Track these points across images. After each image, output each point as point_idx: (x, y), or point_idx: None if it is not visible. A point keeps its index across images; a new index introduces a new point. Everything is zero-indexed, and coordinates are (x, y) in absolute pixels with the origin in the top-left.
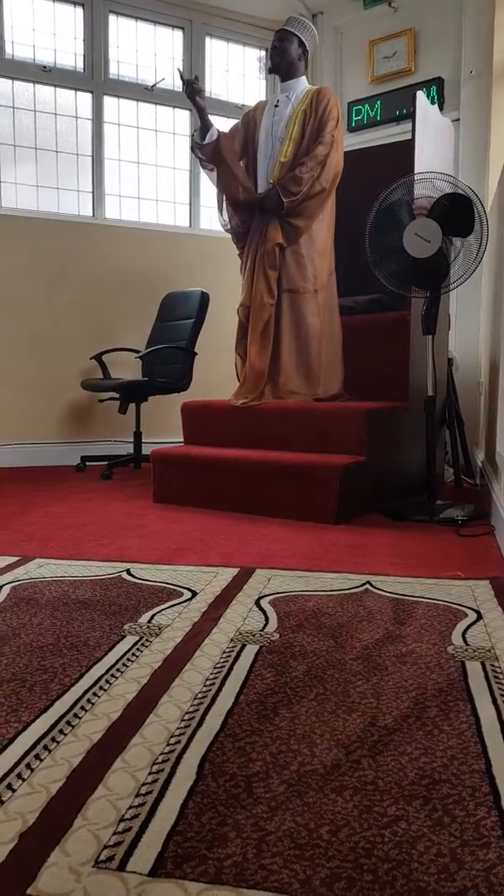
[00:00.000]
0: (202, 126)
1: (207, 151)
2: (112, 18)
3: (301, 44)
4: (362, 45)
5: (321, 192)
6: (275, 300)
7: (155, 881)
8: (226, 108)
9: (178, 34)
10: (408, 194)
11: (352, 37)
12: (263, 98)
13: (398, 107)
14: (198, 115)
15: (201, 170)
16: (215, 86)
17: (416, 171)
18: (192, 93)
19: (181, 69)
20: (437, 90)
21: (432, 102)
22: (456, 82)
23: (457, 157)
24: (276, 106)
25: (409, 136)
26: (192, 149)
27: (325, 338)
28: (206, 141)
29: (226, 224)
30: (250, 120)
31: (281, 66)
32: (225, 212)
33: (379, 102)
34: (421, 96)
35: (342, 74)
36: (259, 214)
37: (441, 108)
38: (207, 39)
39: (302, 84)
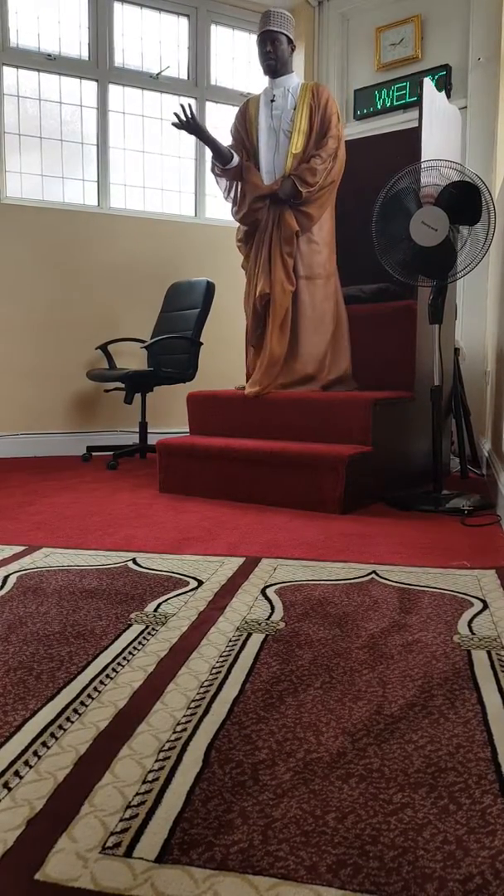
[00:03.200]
0: (217, 153)
1: (231, 173)
2: (117, 6)
3: (289, 39)
4: (368, 32)
5: (331, 183)
6: (294, 287)
7: (161, 867)
8: (231, 96)
9: (184, 21)
10: (414, 182)
11: (358, 24)
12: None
13: (405, 94)
14: (208, 145)
15: (208, 167)
16: (220, 73)
17: (422, 159)
18: (194, 128)
19: (186, 106)
20: (445, 77)
21: (439, 90)
22: (463, 69)
23: (464, 145)
24: (273, 101)
25: (416, 124)
26: (213, 170)
27: (339, 322)
28: (231, 165)
29: (234, 211)
30: (245, 115)
31: (278, 69)
32: (232, 201)
33: (385, 90)
34: (428, 83)
35: (348, 62)
36: (272, 203)
37: (448, 96)
38: (213, 27)
39: (294, 78)
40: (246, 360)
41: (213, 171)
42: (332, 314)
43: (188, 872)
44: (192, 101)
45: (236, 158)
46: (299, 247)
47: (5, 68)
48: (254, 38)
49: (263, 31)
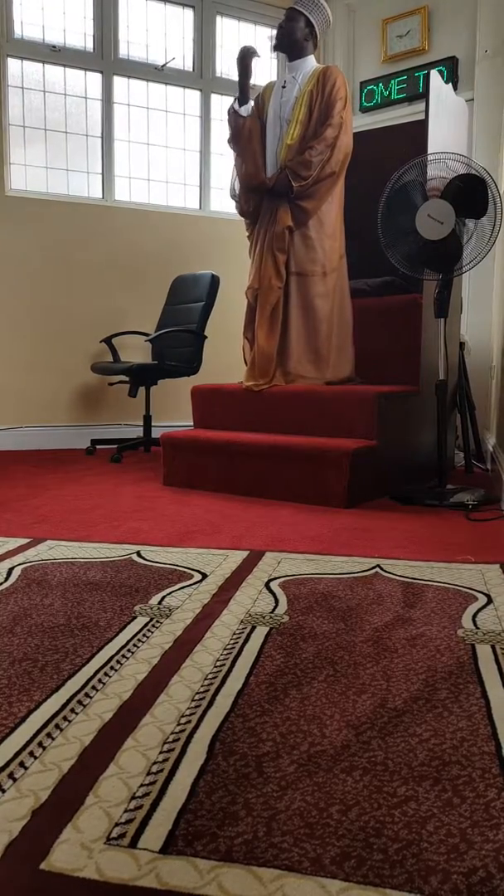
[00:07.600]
0: (242, 95)
1: (239, 124)
2: None
3: (308, 23)
4: (375, 24)
5: (331, 174)
6: (283, 283)
7: (166, 858)
8: (236, 88)
9: (189, 13)
10: (421, 175)
11: (364, 15)
12: (274, 77)
13: (411, 86)
14: (242, 81)
15: (212, 150)
16: (226, 65)
17: (429, 152)
18: (247, 56)
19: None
20: (451, 69)
21: (446, 82)
22: (470, 61)
23: (471, 138)
24: (284, 87)
25: (422, 117)
26: (229, 113)
27: (335, 321)
28: (245, 114)
29: (237, 205)
30: (259, 100)
31: (285, 44)
32: (236, 192)
33: (392, 82)
34: (435, 76)
35: (354, 53)
36: (269, 197)
37: (455, 88)
38: (218, 18)
39: (309, 64)
40: (243, 353)
41: (229, 114)
42: (329, 312)
43: (193, 863)
44: (198, 93)
45: (250, 106)
46: (292, 242)
47: (10, 60)
48: (259, 30)
49: (287, 8)
